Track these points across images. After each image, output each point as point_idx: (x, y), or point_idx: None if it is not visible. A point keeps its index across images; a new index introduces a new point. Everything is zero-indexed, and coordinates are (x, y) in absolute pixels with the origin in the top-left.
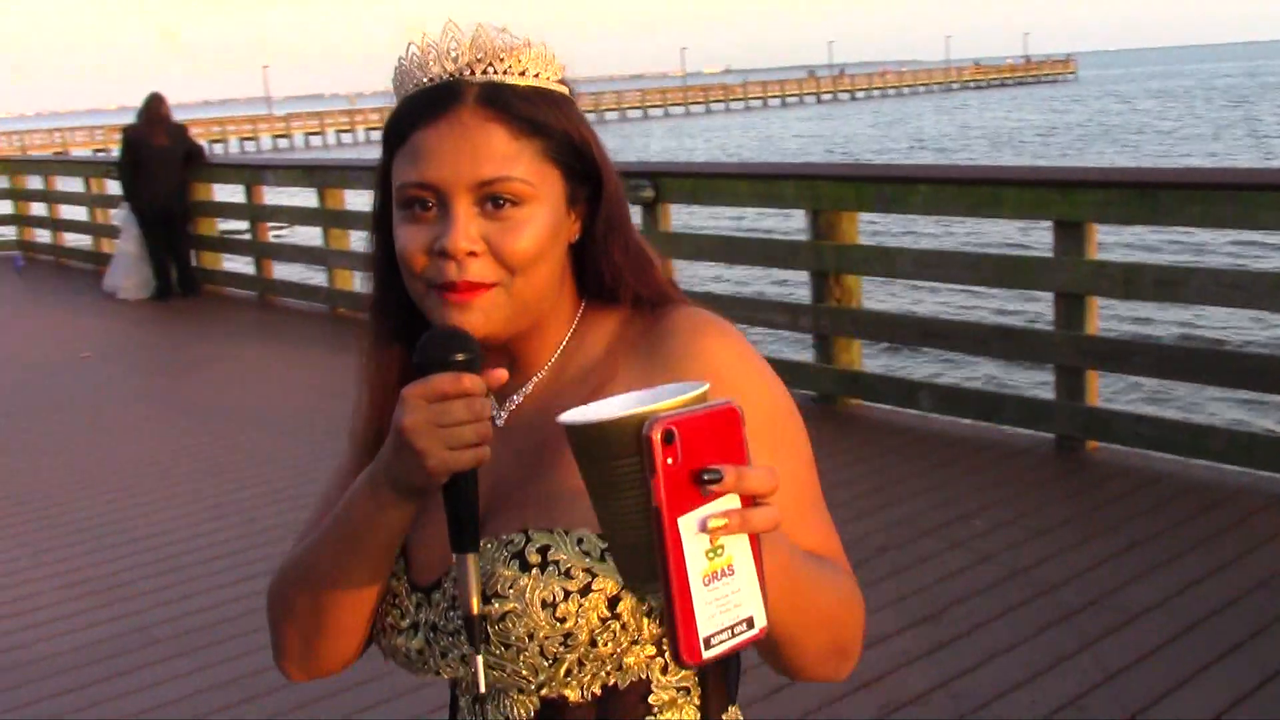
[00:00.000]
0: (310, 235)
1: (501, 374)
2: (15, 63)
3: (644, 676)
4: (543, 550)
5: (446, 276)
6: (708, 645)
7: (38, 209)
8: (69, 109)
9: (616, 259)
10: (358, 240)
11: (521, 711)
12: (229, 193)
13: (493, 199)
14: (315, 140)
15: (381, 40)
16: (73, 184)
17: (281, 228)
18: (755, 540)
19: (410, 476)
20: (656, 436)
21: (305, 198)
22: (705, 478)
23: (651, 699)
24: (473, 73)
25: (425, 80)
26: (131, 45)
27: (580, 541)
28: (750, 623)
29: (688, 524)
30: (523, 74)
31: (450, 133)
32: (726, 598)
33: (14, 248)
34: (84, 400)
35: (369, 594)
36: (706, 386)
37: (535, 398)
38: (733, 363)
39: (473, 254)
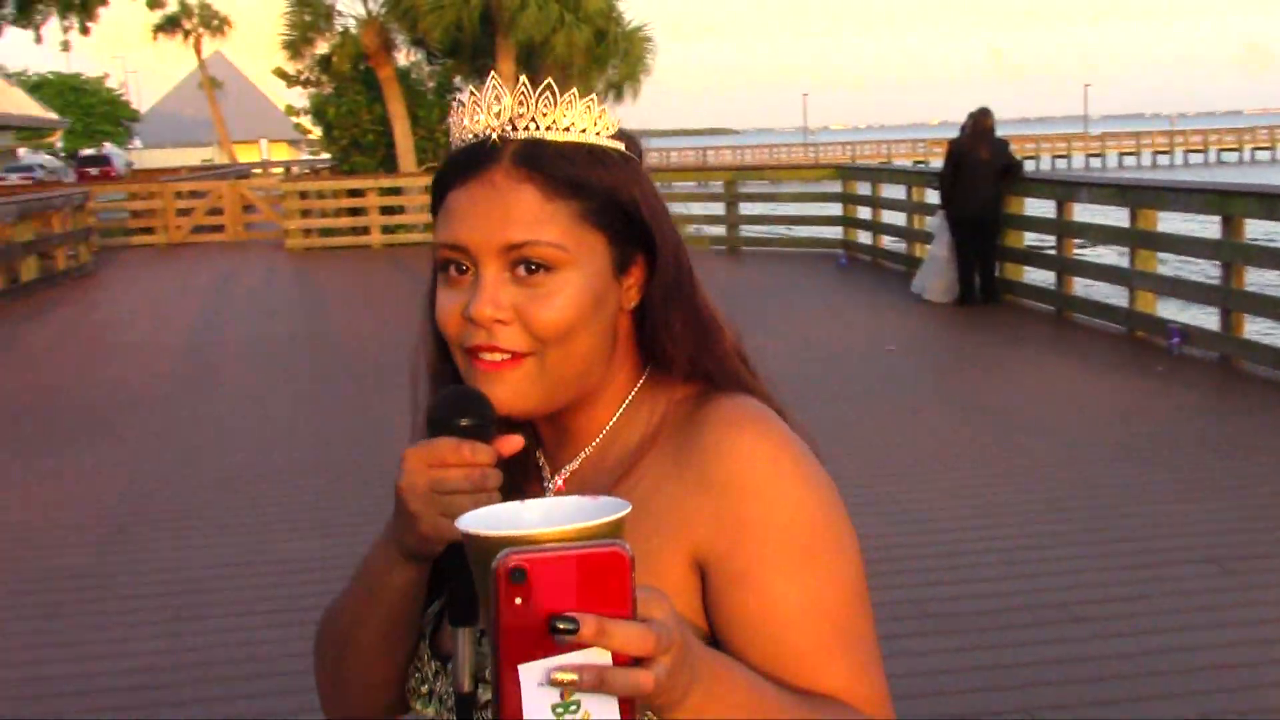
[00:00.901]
0: (1114, 255)
1: (515, 441)
2: (853, 80)
3: None
4: None
5: (475, 341)
6: None
7: (863, 213)
8: (895, 123)
9: (676, 329)
10: (1167, 263)
11: None
12: (1039, 207)
13: (525, 264)
14: (1129, 160)
15: (1208, 59)
16: (895, 191)
17: (1085, 245)
18: (627, 704)
19: (406, 538)
20: (502, 571)
21: (1115, 217)
22: (559, 625)
23: None
24: (514, 129)
25: (470, 136)
26: (960, 65)
27: None
28: None
29: (530, 672)
30: (567, 130)
31: (482, 193)
32: None
33: (839, 247)
34: (881, 390)
35: (387, 650)
36: (623, 513)
37: (583, 472)
38: (762, 467)
39: (501, 321)
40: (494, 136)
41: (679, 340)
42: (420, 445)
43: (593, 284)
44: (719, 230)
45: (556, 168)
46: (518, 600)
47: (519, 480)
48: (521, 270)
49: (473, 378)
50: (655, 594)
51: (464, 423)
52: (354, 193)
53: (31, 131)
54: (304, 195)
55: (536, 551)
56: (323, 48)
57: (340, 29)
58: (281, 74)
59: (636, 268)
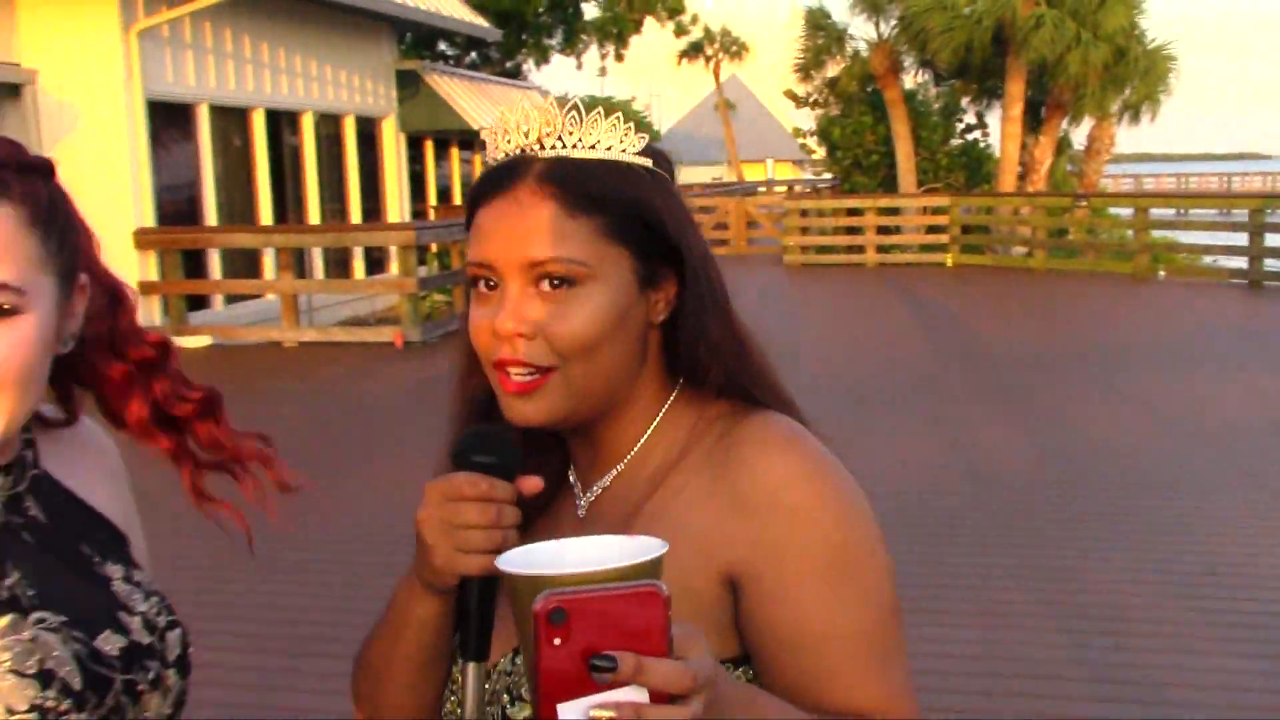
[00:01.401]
0: None
1: (534, 483)
2: None
3: None
4: None
5: (499, 354)
6: None
7: None
8: None
9: (713, 340)
10: None
11: None
12: None
13: (548, 279)
14: None
15: None
16: None
17: None
18: None
19: (423, 571)
20: (541, 612)
21: None
22: (597, 664)
23: None
24: (541, 147)
25: (501, 155)
26: None
27: None
28: None
29: (569, 710)
30: (592, 147)
31: (507, 210)
32: None
33: None
34: None
35: (419, 680)
36: (660, 553)
37: (615, 490)
38: (798, 487)
39: (524, 336)
40: (525, 154)
41: (716, 352)
42: (440, 479)
43: (616, 298)
44: (1239, 262)
45: (578, 184)
46: (557, 640)
47: (552, 499)
48: (545, 285)
49: (499, 391)
50: (692, 632)
51: (483, 459)
52: (852, 211)
53: None
54: (804, 213)
55: (575, 593)
56: (832, 70)
57: (851, 52)
58: (792, 95)
59: (665, 282)
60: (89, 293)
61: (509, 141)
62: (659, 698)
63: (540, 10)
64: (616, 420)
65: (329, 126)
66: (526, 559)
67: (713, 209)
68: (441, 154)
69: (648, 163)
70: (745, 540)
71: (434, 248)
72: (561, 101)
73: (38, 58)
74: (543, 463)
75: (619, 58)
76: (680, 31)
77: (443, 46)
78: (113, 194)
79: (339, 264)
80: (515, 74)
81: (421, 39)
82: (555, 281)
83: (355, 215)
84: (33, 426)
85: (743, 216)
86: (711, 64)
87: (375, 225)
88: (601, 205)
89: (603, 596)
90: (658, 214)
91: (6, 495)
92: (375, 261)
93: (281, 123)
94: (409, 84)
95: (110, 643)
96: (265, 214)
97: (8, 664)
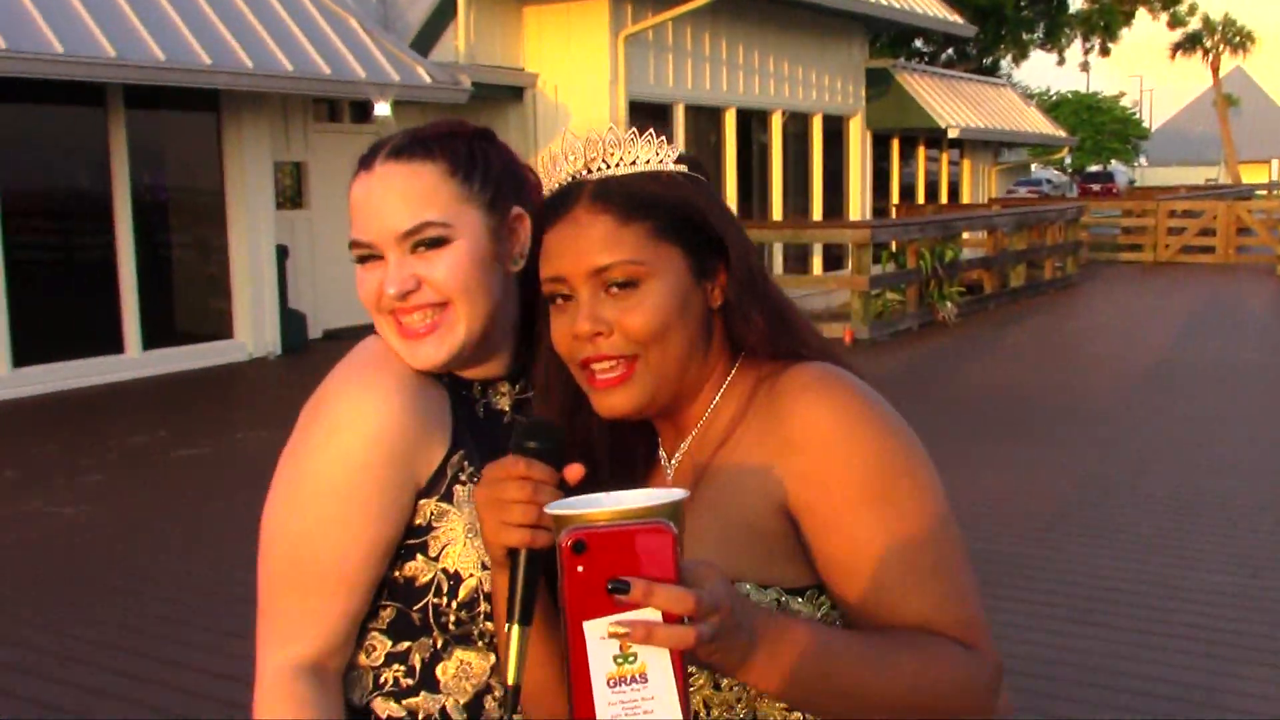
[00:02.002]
0: None
1: (576, 470)
2: None
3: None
4: None
5: (583, 354)
6: None
7: None
8: None
9: (753, 318)
10: None
11: None
12: None
13: (612, 283)
14: None
15: None
16: None
17: None
18: (677, 654)
19: (482, 544)
20: (566, 544)
21: None
22: (611, 587)
23: None
24: (589, 171)
25: (554, 185)
26: None
27: None
28: None
29: (594, 628)
30: (633, 163)
31: (568, 230)
32: (635, 702)
33: None
34: None
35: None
36: (672, 499)
37: (690, 454)
38: (830, 426)
39: (599, 334)
40: (576, 180)
41: (755, 326)
42: (494, 463)
43: (674, 290)
44: None
45: (625, 196)
46: (580, 568)
47: (648, 474)
48: (613, 288)
49: (589, 389)
50: (707, 567)
51: (531, 445)
52: None
53: (1043, 148)
54: None
55: (594, 527)
56: None
57: None
58: None
59: (718, 272)
60: (528, 221)
61: (561, 171)
62: (670, 620)
63: (1021, 4)
64: (690, 397)
65: (797, 125)
66: (565, 504)
67: (1198, 214)
68: (908, 152)
69: (683, 170)
70: (795, 476)
71: (893, 246)
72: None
73: (539, 63)
74: (633, 442)
75: (1104, 52)
76: (1176, 23)
77: (918, 44)
78: None
79: (799, 259)
80: (992, 70)
81: (897, 37)
82: (619, 283)
83: (817, 212)
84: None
85: (1232, 222)
86: (1210, 57)
87: (832, 223)
88: (648, 210)
89: (617, 532)
90: (699, 211)
91: (515, 399)
92: (835, 258)
93: (752, 121)
94: (878, 82)
95: None
96: (730, 208)
97: (464, 528)
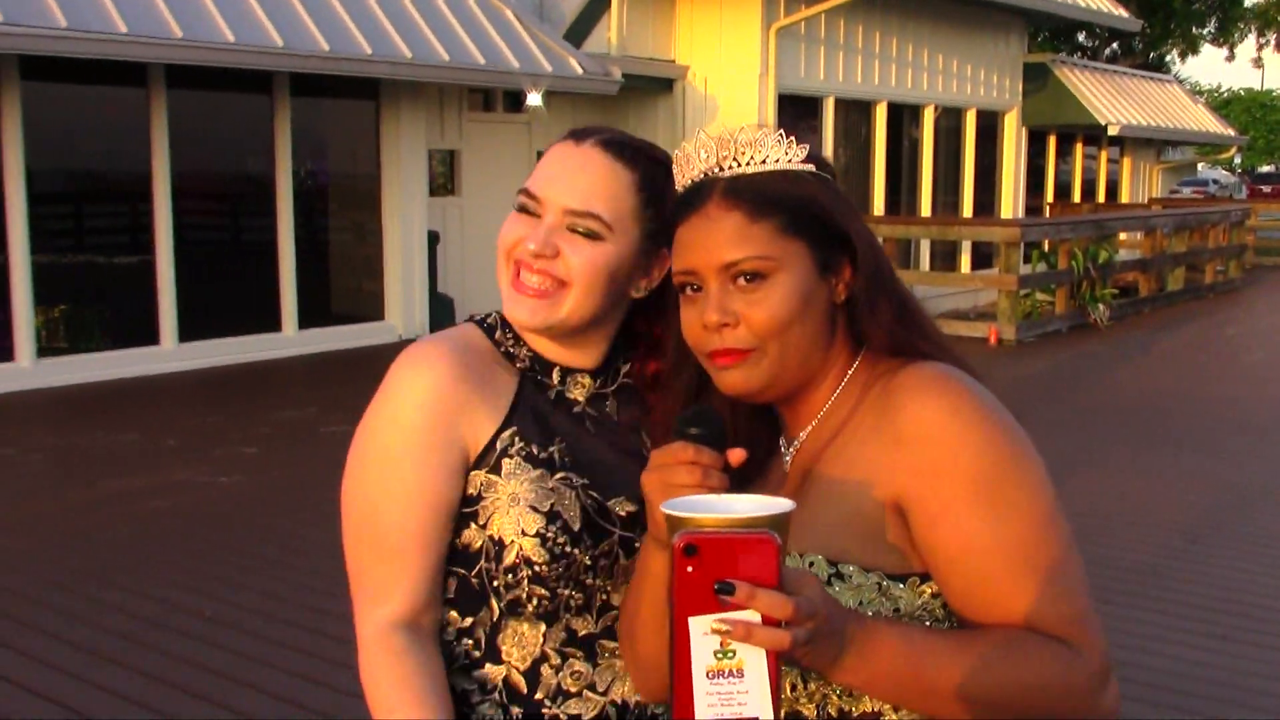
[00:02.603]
0: None
1: (739, 454)
2: None
3: (876, 709)
4: None
5: (710, 345)
6: None
7: None
8: None
9: (879, 312)
10: None
11: None
12: None
13: (742, 275)
14: None
15: None
16: None
17: None
18: (773, 654)
19: (649, 525)
20: (679, 546)
21: None
22: (717, 588)
23: None
24: (720, 169)
25: (689, 181)
26: None
27: (811, 565)
28: None
29: (698, 624)
30: (763, 162)
31: (700, 225)
32: (731, 694)
33: None
34: None
35: (660, 624)
36: (780, 511)
37: (808, 445)
38: (942, 424)
39: (726, 325)
40: (709, 177)
41: (877, 322)
42: (662, 449)
43: (799, 285)
44: None
45: (755, 194)
46: (689, 569)
47: (769, 459)
48: (742, 281)
49: (712, 372)
50: (807, 576)
51: (694, 431)
52: None
53: (1210, 147)
54: None
55: (707, 533)
56: None
57: None
58: None
59: (842, 267)
60: (667, 267)
61: (694, 168)
62: (769, 622)
63: None
64: (814, 389)
65: (950, 119)
66: (682, 505)
67: None
68: (1065, 149)
69: (811, 168)
70: (907, 470)
71: (1045, 245)
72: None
73: (689, 55)
74: (757, 429)
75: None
76: None
77: (1080, 38)
78: None
79: (947, 256)
80: (1158, 66)
81: (1058, 31)
82: (748, 276)
83: (967, 209)
84: (642, 354)
85: None
86: None
87: (981, 220)
88: (776, 206)
89: (727, 539)
90: (825, 209)
91: (592, 392)
92: (984, 256)
93: (904, 115)
94: (1036, 77)
95: (621, 506)
96: (878, 204)
97: (530, 500)
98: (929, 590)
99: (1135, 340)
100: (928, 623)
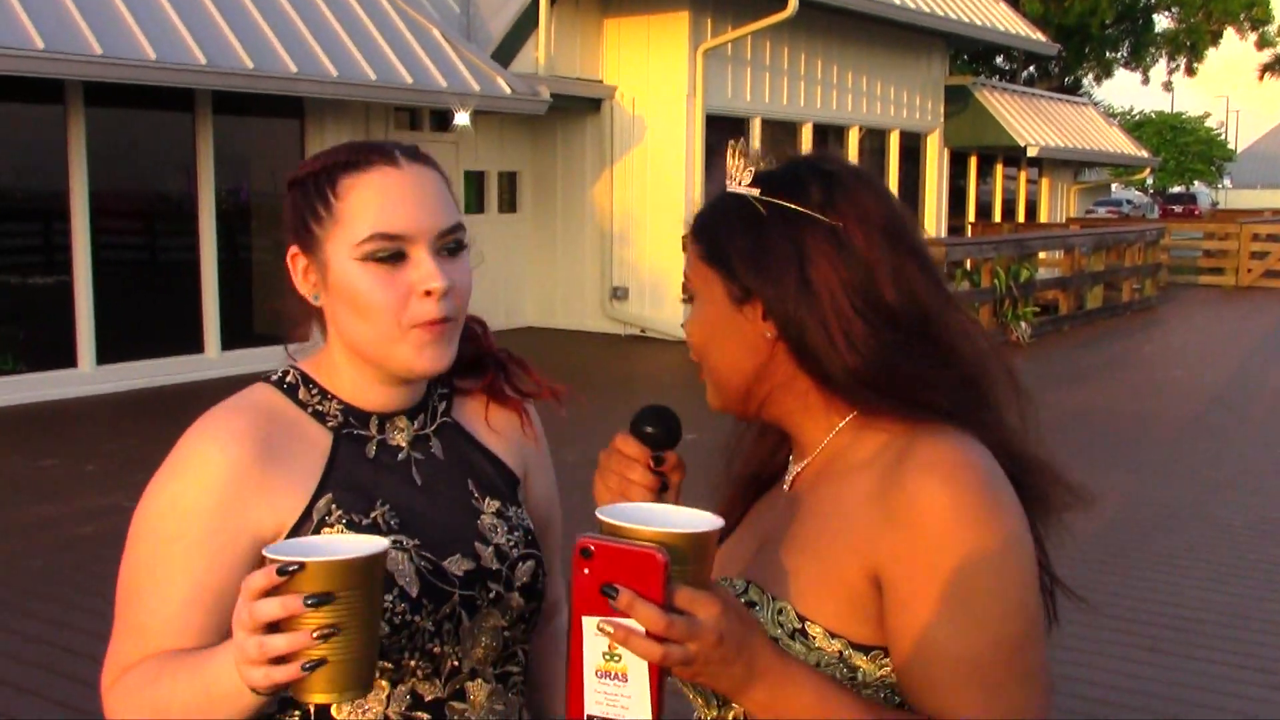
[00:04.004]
0: None
1: (672, 457)
2: None
3: None
4: (749, 603)
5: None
6: None
7: None
8: None
9: (825, 355)
10: None
11: None
12: None
13: (685, 297)
14: None
15: None
16: None
17: None
18: (655, 668)
19: None
20: (577, 548)
21: None
22: (603, 589)
23: None
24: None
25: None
26: None
27: (780, 612)
28: None
29: (589, 623)
30: (729, 179)
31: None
32: (615, 696)
33: None
34: None
35: None
36: (705, 530)
37: (804, 477)
38: (936, 514)
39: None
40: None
41: (829, 363)
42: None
43: (713, 310)
44: None
45: (699, 215)
46: (585, 570)
47: (779, 477)
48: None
49: None
50: (709, 600)
51: (649, 430)
52: None
53: (1124, 169)
54: None
55: (603, 539)
56: None
57: None
58: None
59: (756, 304)
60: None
61: (730, 180)
62: (651, 636)
63: (1106, 23)
64: (801, 423)
65: (874, 140)
66: (616, 512)
67: None
68: (985, 169)
69: (755, 192)
70: (890, 548)
71: (968, 264)
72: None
73: (617, 75)
74: (776, 448)
75: (1190, 72)
76: (1265, 44)
77: (999, 61)
78: (669, 199)
79: None
80: (1074, 89)
81: (978, 54)
82: (686, 297)
83: None
84: (454, 388)
85: None
86: None
87: None
88: (697, 235)
89: (618, 548)
90: (734, 248)
91: (414, 435)
92: None
93: (829, 136)
94: (957, 99)
95: (458, 565)
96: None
97: None
98: (889, 665)
99: (1056, 357)
100: (882, 695)
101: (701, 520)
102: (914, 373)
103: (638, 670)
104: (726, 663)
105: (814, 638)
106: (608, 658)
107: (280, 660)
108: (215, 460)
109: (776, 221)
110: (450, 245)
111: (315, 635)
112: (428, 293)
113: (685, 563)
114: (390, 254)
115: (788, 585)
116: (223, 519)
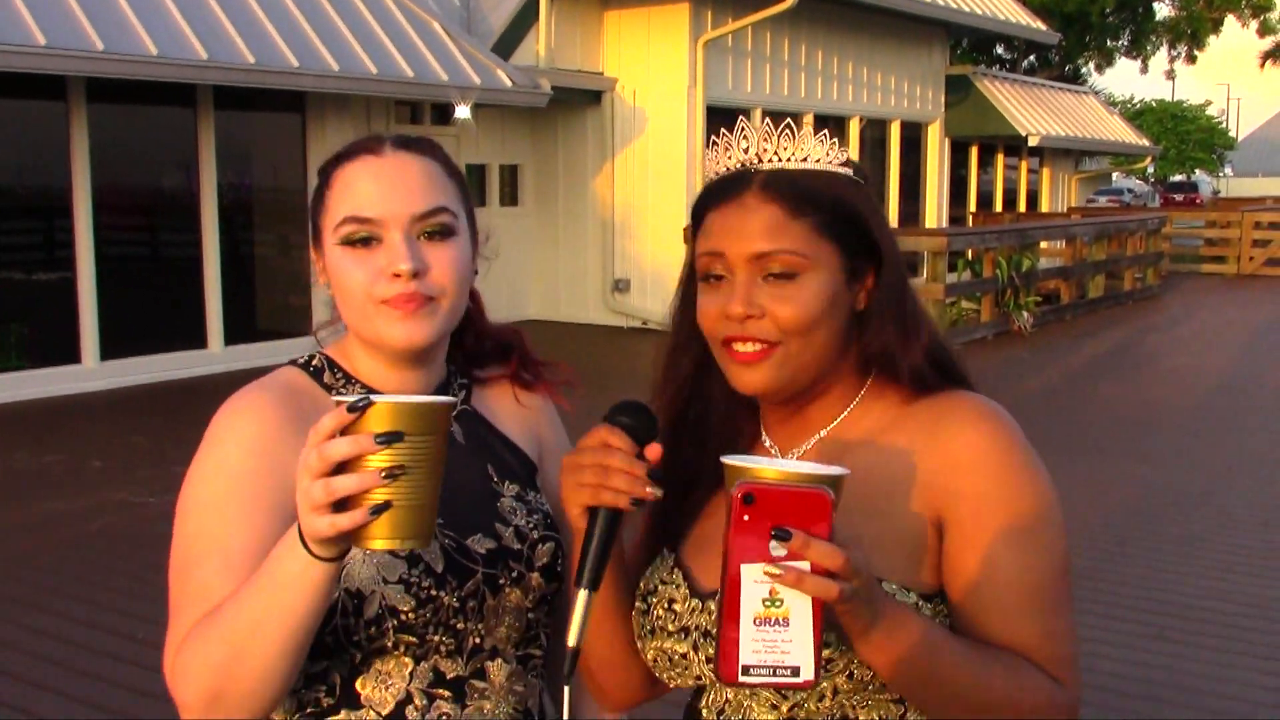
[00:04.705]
0: None
1: (656, 450)
2: None
3: (885, 717)
4: None
5: (729, 333)
6: (745, 672)
7: None
8: None
9: (889, 331)
10: None
11: None
12: None
13: (771, 272)
14: None
15: None
16: None
17: None
18: (818, 606)
19: (564, 508)
20: (737, 495)
21: None
22: (775, 533)
23: None
24: (760, 161)
25: (724, 169)
26: None
27: None
28: (796, 671)
29: (750, 571)
30: (804, 160)
31: (735, 213)
32: (775, 642)
33: None
34: None
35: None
36: (841, 474)
37: (813, 454)
38: (996, 457)
39: (751, 317)
40: (748, 168)
41: (890, 334)
42: (587, 434)
43: (828, 287)
44: None
45: (795, 190)
46: (745, 517)
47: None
48: (771, 275)
49: (727, 364)
50: (855, 539)
51: (622, 419)
52: None
53: (1125, 157)
54: None
55: (765, 483)
56: None
57: None
58: None
59: (866, 275)
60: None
61: (730, 158)
62: (819, 572)
63: (1107, 11)
64: (821, 396)
65: (875, 131)
66: (742, 459)
67: None
68: (987, 159)
69: (849, 172)
70: (952, 493)
71: (969, 254)
72: (775, 124)
73: (617, 67)
74: (739, 424)
75: (1191, 60)
76: (1266, 31)
77: (999, 50)
78: (670, 191)
79: None
80: (1074, 78)
81: (978, 43)
82: (778, 273)
83: (893, 219)
84: (473, 376)
85: None
86: None
87: (907, 230)
88: (815, 206)
89: (784, 490)
90: (861, 214)
91: None
92: (910, 266)
93: (829, 126)
94: (958, 89)
95: (480, 544)
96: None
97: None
98: (945, 610)
99: (1058, 346)
100: None
101: (831, 467)
102: (940, 344)
103: (800, 613)
104: (870, 601)
105: (893, 594)
106: (768, 604)
107: (343, 508)
108: (252, 427)
109: (870, 196)
110: (431, 229)
111: (383, 475)
112: (396, 275)
113: (837, 503)
114: (363, 237)
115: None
116: (270, 476)
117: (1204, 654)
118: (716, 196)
